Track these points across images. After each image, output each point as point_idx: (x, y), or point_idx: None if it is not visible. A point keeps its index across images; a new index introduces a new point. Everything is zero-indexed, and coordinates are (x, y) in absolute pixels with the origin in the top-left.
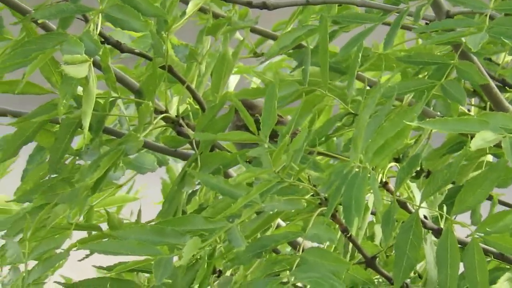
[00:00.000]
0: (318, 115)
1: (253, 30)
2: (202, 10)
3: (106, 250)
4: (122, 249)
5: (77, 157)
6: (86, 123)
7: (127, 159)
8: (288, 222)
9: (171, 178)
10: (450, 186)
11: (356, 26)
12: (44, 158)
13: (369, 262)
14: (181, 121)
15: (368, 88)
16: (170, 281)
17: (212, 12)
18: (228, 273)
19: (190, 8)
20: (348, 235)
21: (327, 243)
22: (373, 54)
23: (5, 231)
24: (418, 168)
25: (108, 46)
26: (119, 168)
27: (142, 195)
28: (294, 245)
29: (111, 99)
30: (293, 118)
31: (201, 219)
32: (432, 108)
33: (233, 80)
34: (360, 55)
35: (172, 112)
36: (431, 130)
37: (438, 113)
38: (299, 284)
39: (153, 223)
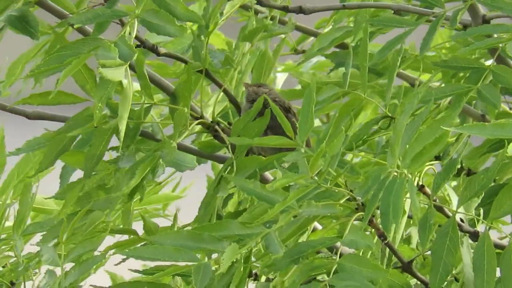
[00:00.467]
0: (355, 117)
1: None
2: (243, 6)
3: (143, 256)
4: (159, 255)
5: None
6: (123, 127)
7: None
8: (324, 225)
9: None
10: None
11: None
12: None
13: (406, 267)
14: (216, 126)
15: (408, 86)
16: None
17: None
18: (263, 279)
19: (227, 9)
20: (386, 241)
21: None
22: (410, 55)
23: (41, 237)
24: (459, 167)
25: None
26: (159, 166)
27: (187, 192)
28: (331, 247)
29: (146, 105)
30: (331, 121)
31: (238, 224)
32: (473, 107)
33: (280, 78)
34: (399, 59)
35: (209, 115)
36: None
37: (480, 111)
38: None
39: (189, 227)
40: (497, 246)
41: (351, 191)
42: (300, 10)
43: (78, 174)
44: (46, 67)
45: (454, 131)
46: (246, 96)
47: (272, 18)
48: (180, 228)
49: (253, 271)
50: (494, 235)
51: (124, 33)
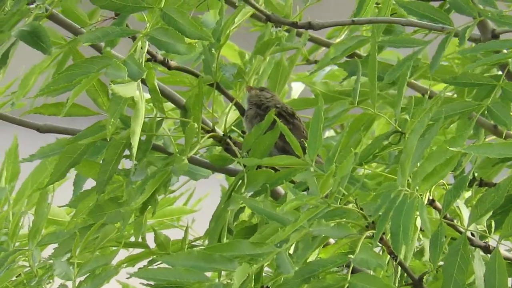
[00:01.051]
0: (366, 130)
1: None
2: (255, 16)
3: (155, 278)
4: (170, 276)
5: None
6: (135, 142)
7: None
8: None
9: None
10: None
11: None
12: None
13: (417, 284)
14: (228, 139)
15: (419, 96)
16: None
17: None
18: None
19: (238, 18)
20: (397, 261)
21: None
22: (422, 64)
23: (54, 250)
24: (471, 177)
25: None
26: (172, 176)
27: (202, 203)
28: None
29: (158, 119)
30: (340, 137)
31: (249, 244)
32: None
33: (296, 88)
34: (408, 73)
35: (220, 129)
36: (485, 138)
37: (492, 122)
38: None
39: (200, 241)
40: (505, 259)
41: (361, 209)
42: (309, 26)
43: (92, 182)
44: (55, 86)
45: (463, 150)
46: (248, 99)
47: (289, 30)
48: (192, 241)
49: (265, 285)
50: (504, 246)
51: (135, 50)
